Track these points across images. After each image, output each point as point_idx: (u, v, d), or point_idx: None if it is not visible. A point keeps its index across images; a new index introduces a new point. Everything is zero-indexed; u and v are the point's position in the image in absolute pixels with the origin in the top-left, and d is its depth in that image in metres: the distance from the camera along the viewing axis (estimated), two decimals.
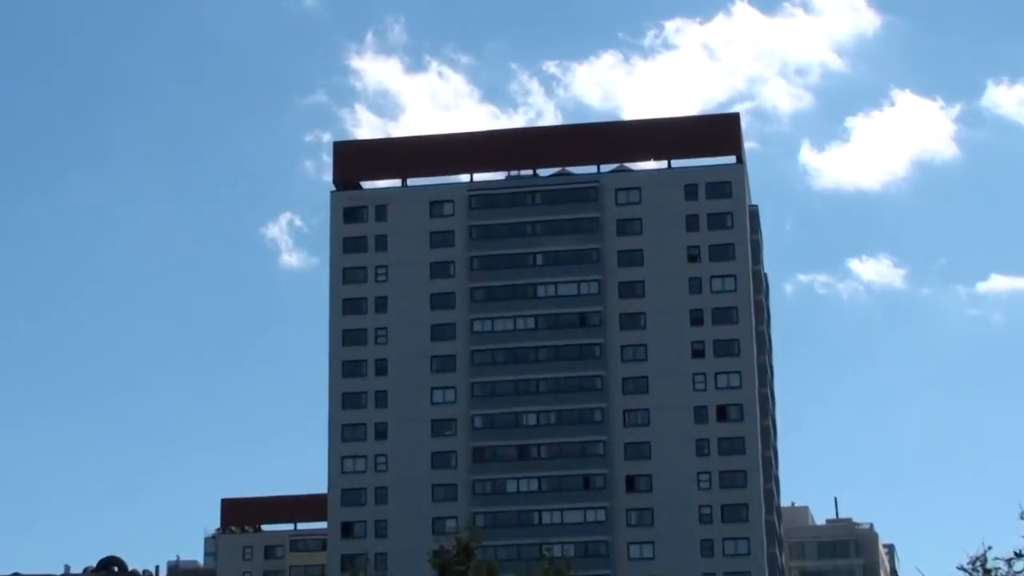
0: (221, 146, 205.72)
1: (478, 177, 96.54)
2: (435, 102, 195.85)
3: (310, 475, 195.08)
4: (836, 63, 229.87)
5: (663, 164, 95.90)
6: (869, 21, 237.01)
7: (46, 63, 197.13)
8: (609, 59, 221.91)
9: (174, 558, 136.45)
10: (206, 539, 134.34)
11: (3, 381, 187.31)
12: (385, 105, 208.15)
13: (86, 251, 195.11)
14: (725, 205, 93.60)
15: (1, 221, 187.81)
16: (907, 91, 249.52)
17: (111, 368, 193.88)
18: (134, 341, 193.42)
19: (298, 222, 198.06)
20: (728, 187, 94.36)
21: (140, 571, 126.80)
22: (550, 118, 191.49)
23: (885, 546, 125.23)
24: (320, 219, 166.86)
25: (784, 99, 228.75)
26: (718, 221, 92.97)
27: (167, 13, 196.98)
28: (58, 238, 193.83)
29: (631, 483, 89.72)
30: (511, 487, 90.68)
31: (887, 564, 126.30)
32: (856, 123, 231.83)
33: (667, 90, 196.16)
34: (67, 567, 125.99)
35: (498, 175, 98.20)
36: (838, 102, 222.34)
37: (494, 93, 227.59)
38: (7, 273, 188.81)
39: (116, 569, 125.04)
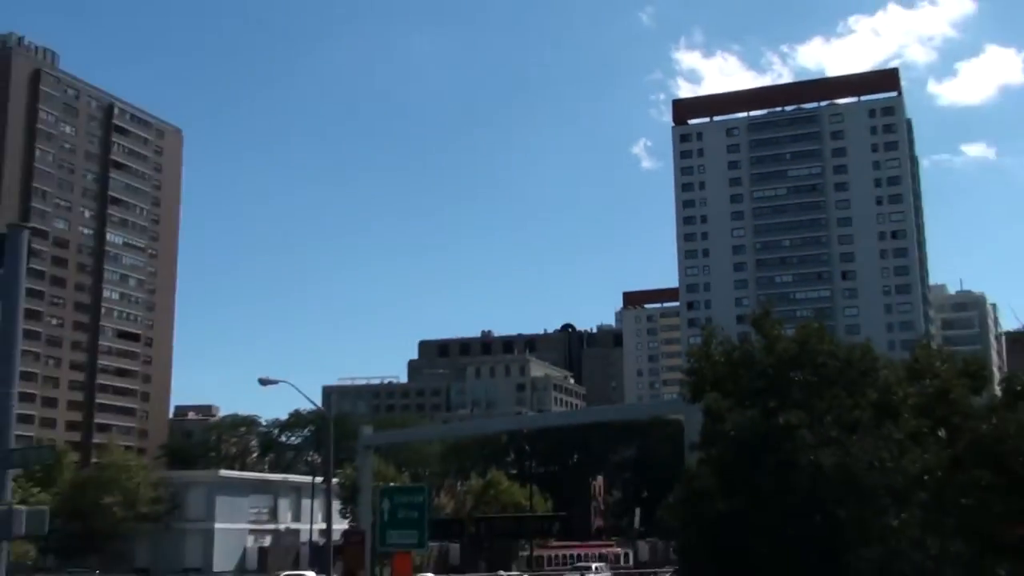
0: (600, 101, 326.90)
1: (753, 113, 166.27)
2: (722, 73, 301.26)
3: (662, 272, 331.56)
4: None
5: None
6: None
7: None
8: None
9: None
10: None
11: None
12: (693, 78, 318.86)
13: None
14: None
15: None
16: None
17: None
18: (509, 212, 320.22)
19: (649, 143, 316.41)
20: None
21: None
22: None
23: None
24: (660, 142, 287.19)
25: None
26: None
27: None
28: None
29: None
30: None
31: None
32: None
33: None
34: None
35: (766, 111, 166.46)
36: None
37: (755, 68, 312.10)
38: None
39: None
